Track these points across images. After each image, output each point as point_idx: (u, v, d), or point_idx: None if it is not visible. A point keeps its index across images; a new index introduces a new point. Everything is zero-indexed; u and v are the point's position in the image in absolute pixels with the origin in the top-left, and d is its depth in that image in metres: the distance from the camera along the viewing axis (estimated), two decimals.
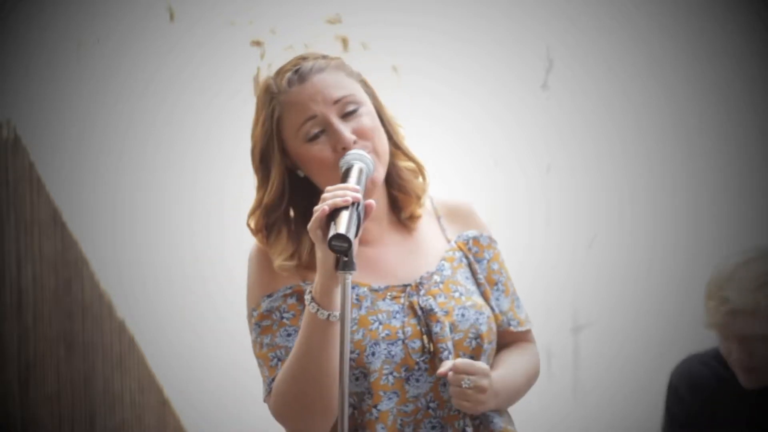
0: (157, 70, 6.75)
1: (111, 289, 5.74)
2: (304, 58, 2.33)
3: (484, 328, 2.27)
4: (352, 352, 2.20)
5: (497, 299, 2.37)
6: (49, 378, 4.78)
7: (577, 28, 8.34)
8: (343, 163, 2.21)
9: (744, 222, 7.92)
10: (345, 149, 2.22)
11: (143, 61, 6.62)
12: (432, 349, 2.23)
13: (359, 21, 7.69)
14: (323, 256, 2.11)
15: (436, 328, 2.24)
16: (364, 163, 2.20)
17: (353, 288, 2.25)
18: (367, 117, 2.27)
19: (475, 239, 2.39)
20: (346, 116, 2.25)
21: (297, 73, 2.30)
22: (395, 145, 2.33)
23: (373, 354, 2.22)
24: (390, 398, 2.23)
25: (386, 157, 2.29)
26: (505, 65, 8.03)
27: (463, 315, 2.26)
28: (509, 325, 2.38)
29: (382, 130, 2.29)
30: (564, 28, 8.36)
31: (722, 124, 8.08)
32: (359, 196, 2.11)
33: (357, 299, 2.26)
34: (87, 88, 6.08)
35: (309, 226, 2.11)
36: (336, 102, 2.25)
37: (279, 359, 2.24)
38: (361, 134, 2.24)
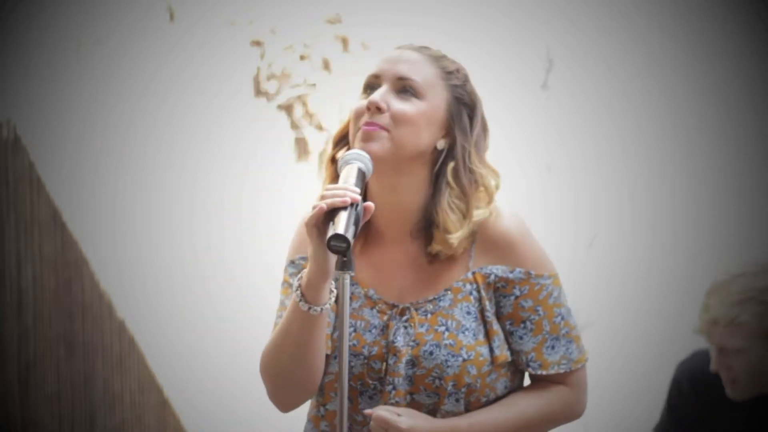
0: (157, 70, 6.75)
1: (111, 289, 5.74)
2: (424, 47, 2.37)
3: (452, 371, 2.22)
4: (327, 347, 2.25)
5: (520, 338, 2.29)
6: (49, 378, 4.78)
7: (577, 28, 8.35)
8: (342, 162, 2.22)
9: (744, 222, 7.92)
10: (368, 108, 2.24)
11: (143, 61, 6.62)
12: (384, 378, 2.24)
13: (359, 21, 7.68)
14: (315, 252, 2.13)
15: (390, 361, 2.24)
16: (363, 163, 2.20)
17: (353, 285, 2.28)
18: (413, 108, 2.25)
19: (500, 276, 2.28)
20: (399, 93, 2.27)
21: (399, 46, 2.35)
22: (456, 178, 2.27)
23: (335, 358, 2.24)
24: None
25: (402, 146, 2.24)
26: (505, 65, 8.02)
27: (431, 353, 2.23)
28: (528, 366, 2.30)
29: (420, 129, 2.25)
30: (564, 28, 8.36)
31: (722, 124, 8.08)
32: (358, 197, 2.12)
33: (350, 298, 2.27)
34: (87, 88, 6.08)
35: (306, 221, 2.13)
36: (399, 78, 2.27)
37: (281, 317, 2.30)
38: (394, 113, 2.25)
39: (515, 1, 8.28)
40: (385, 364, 2.24)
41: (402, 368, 2.23)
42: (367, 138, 2.24)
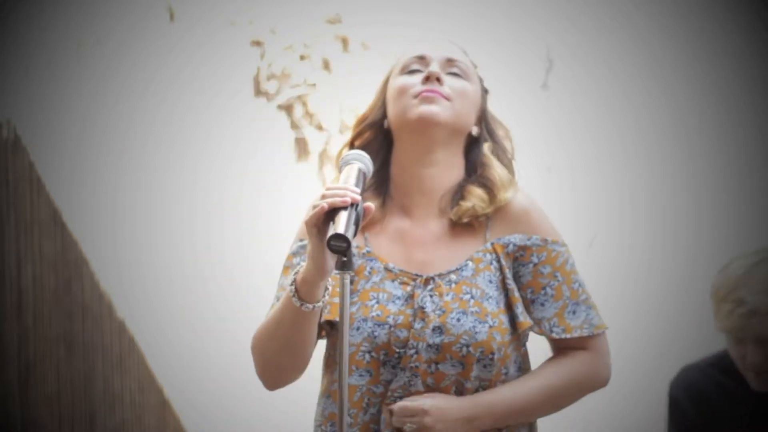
0: (157, 70, 6.75)
1: (111, 289, 5.74)
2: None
3: (481, 337, 2.24)
4: (331, 313, 2.27)
5: (541, 304, 2.32)
6: (49, 378, 4.78)
7: (577, 28, 8.35)
8: (342, 162, 2.23)
9: (744, 222, 7.92)
10: (428, 78, 2.30)
11: (143, 61, 6.62)
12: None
13: (359, 21, 7.69)
14: (313, 250, 2.13)
15: (417, 325, 2.25)
16: (363, 163, 2.21)
17: (371, 260, 2.29)
18: (467, 86, 2.34)
19: (518, 244, 2.33)
20: (448, 75, 2.35)
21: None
22: (495, 153, 2.40)
23: (357, 329, 2.25)
24: (362, 375, 2.26)
25: (459, 118, 2.32)
26: (505, 65, 8.03)
27: (458, 320, 2.25)
28: (551, 332, 2.32)
29: (472, 107, 2.35)
30: (564, 28, 8.37)
31: (722, 124, 8.08)
32: (358, 197, 2.12)
33: (369, 272, 2.29)
34: (87, 88, 6.08)
35: (306, 220, 2.13)
36: (448, 60, 2.36)
37: (278, 299, 2.31)
38: (453, 87, 2.33)
39: (515, 1, 8.29)
40: (411, 330, 2.24)
41: (428, 334, 2.24)
42: (430, 100, 2.30)
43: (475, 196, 2.32)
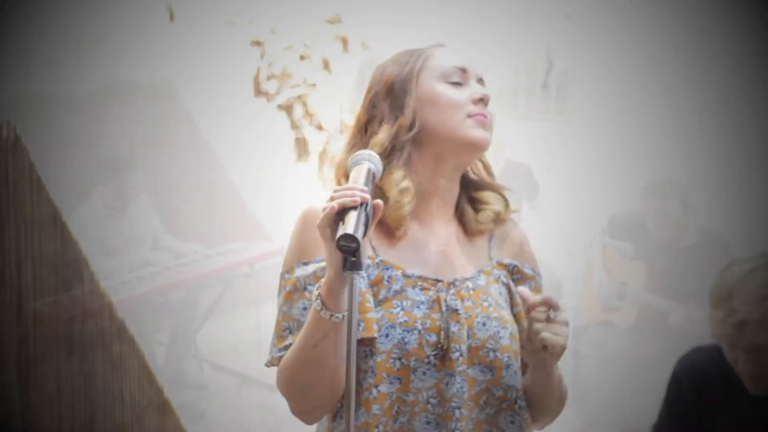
0: (157, 70, 6.76)
1: (111, 289, 5.73)
2: None
3: (505, 342, 2.27)
4: (367, 330, 2.24)
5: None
6: (49, 378, 4.78)
7: (577, 28, 8.36)
8: (351, 162, 2.22)
9: (744, 222, 7.92)
10: (482, 100, 2.33)
11: (143, 61, 6.63)
12: (446, 346, 2.24)
13: (359, 21, 7.69)
14: (330, 255, 2.12)
15: (454, 328, 2.25)
16: (373, 163, 2.21)
17: (386, 269, 2.29)
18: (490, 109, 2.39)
19: (518, 268, 2.40)
20: None
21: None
22: (487, 171, 2.45)
23: (387, 336, 2.24)
24: (392, 383, 2.25)
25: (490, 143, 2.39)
26: (505, 65, 8.04)
27: (484, 324, 2.27)
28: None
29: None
30: (564, 28, 8.37)
31: (722, 124, 8.08)
32: (367, 196, 2.12)
33: (388, 281, 2.28)
34: (87, 88, 6.09)
35: (318, 224, 2.12)
36: (479, 80, 2.39)
37: (290, 331, 2.28)
38: (489, 111, 2.37)
39: (515, 1, 8.30)
40: (443, 333, 2.25)
41: (465, 335, 2.25)
42: (485, 126, 2.34)
43: (497, 201, 2.40)
